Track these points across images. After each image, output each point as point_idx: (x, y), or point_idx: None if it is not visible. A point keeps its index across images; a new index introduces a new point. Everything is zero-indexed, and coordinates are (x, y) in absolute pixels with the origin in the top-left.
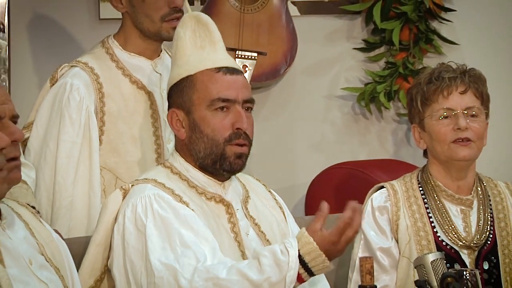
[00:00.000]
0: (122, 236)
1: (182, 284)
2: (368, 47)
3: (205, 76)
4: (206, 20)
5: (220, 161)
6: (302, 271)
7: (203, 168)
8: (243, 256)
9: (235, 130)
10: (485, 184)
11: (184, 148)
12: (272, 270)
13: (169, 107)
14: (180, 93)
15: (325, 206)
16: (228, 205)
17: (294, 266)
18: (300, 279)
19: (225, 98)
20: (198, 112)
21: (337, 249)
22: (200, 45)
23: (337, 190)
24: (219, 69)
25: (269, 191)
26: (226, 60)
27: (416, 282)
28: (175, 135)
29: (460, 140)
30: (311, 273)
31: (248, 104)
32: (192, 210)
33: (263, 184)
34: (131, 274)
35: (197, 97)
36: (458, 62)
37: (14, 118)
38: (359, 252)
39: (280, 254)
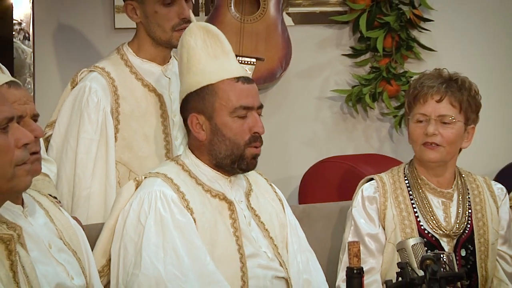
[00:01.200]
0: (124, 222)
1: None
2: (355, 53)
3: (226, 85)
4: (216, 31)
5: (239, 161)
6: None
7: (217, 166)
8: (240, 249)
9: (253, 134)
10: (464, 178)
11: (201, 147)
12: None
13: (187, 112)
14: (201, 99)
15: None
16: (230, 203)
17: None
18: None
19: (246, 106)
20: (220, 118)
21: None
22: (213, 55)
23: (327, 181)
24: (237, 79)
25: (270, 185)
26: (241, 69)
27: (398, 264)
28: (189, 136)
29: (429, 144)
30: None
31: (260, 109)
32: (191, 209)
33: (264, 178)
34: (122, 259)
35: (219, 104)
36: (435, 67)
37: (35, 117)
38: (349, 236)
39: None
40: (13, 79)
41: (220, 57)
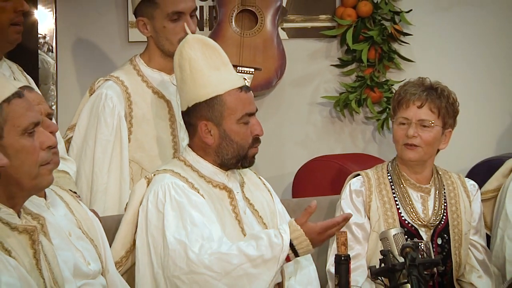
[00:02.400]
0: (146, 215)
1: (191, 257)
2: (342, 64)
3: (232, 96)
4: (213, 43)
5: (243, 160)
6: (290, 252)
7: (221, 164)
8: (243, 231)
9: (254, 136)
10: (441, 175)
11: (208, 149)
12: (266, 249)
13: (195, 118)
14: (210, 108)
15: (313, 204)
16: (230, 191)
17: (286, 249)
18: (287, 259)
19: (250, 113)
20: (228, 125)
21: (320, 239)
22: (214, 66)
23: (318, 177)
24: (240, 89)
25: (259, 178)
26: (241, 79)
27: (381, 251)
28: (193, 138)
29: (409, 144)
30: (296, 254)
31: (256, 112)
32: (202, 195)
33: (254, 172)
34: (152, 246)
35: (228, 113)
36: (414, 76)
37: (49, 115)
38: None
39: (274, 237)
40: (26, 84)
41: (220, 68)
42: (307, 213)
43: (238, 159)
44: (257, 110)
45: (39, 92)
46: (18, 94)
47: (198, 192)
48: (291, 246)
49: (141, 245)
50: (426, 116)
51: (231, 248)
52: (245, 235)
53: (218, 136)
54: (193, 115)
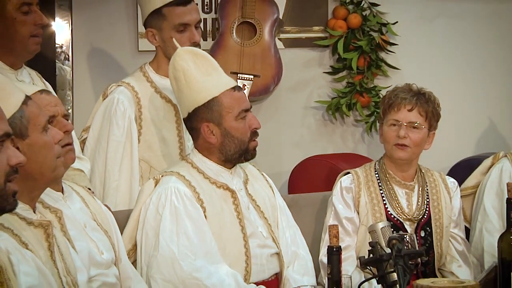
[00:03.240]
0: (145, 213)
1: (176, 270)
2: (334, 71)
3: (227, 96)
4: (201, 52)
5: (245, 154)
6: None
7: (225, 161)
8: (243, 229)
9: (252, 130)
10: (424, 173)
11: (212, 149)
12: None
13: (196, 122)
14: (209, 111)
15: None
16: (232, 192)
17: None
18: None
19: (245, 109)
20: (228, 123)
21: None
22: (206, 73)
23: (312, 175)
24: (233, 89)
25: (262, 174)
26: (232, 80)
27: (369, 243)
28: (197, 140)
29: (399, 145)
30: None
31: (250, 108)
32: (202, 200)
33: (257, 169)
34: (144, 242)
35: (226, 112)
36: (399, 82)
37: (66, 117)
38: (330, 220)
39: None
40: (44, 88)
41: (212, 73)
42: None
43: (240, 153)
44: (251, 106)
45: (55, 95)
46: (29, 97)
47: (198, 198)
48: None
49: (138, 240)
50: (416, 119)
51: (213, 284)
52: (244, 234)
53: (220, 135)
54: (194, 120)
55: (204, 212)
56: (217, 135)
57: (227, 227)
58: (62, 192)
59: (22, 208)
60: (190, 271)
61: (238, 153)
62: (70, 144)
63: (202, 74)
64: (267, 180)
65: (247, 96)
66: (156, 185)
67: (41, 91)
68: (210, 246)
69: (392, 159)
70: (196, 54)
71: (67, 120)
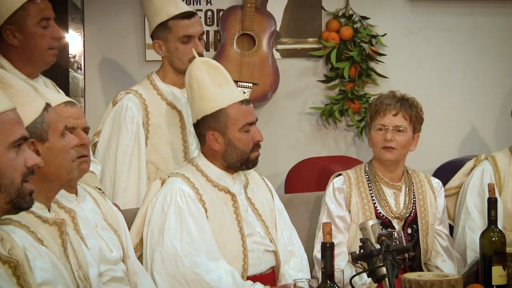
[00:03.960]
0: (152, 211)
1: (178, 265)
2: (327, 80)
3: (234, 108)
4: (216, 64)
5: (246, 163)
6: None
7: (227, 167)
8: (241, 230)
9: (255, 142)
10: (410, 174)
11: (216, 155)
12: None
13: (203, 129)
14: (216, 120)
15: (288, 285)
16: (233, 195)
17: None
18: None
19: (250, 122)
20: (232, 134)
21: None
22: (219, 84)
23: (307, 176)
24: (241, 102)
25: (263, 178)
26: (241, 94)
27: (360, 239)
28: (203, 145)
29: (387, 147)
30: None
31: (256, 122)
32: (204, 201)
33: (258, 174)
34: (149, 238)
35: (231, 124)
36: (388, 90)
37: (86, 129)
38: (323, 218)
39: None
40: (70, 99)
41: (224, 85)
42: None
43: (241, 162)
44: (257, 119)
45: (78, 106)
46: (49, 104)
47: (201, 199)
48: None
49: (144, 235)
50: (401, 123)
51: (212, 279)
52: (242, 234)
53: (223, 144)
54: (202, 127)
55: (206, 212)
56: (221, 143)
57: (227, 227)
58: (76, 194)
59: (38, 207)
60: (191, 267)
61: (239, 161)
62: (86, 156)
63: (214, 85)
64: (267, 184)
65: None
66: (162, 185)
67: (66, 103)
68: (210, 244)
69: (381, 161)
70: (211, 66)
71: (87, 134)
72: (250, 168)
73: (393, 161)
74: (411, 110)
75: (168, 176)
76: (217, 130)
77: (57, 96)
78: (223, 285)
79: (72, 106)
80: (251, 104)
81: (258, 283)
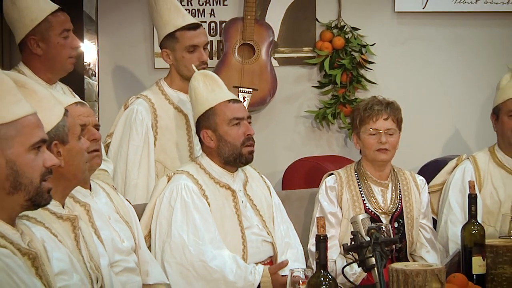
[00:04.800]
0: (160, 206)
1: (186, 253)
2: (321, 85)
3: (222, 106)
4: (212, 74)
5: (239, 157)
6: None
7: (225, 164)
8: (240, 223)
9: (246, 136)
10: (396, 172)
11: (213, 152)
12: (240, 280)
13: (199, 129)
14: (207, 119)
15: (286, 262)
16: (233, 191)
17: (255, 286)
18: None
19: (237, 117)
20: (221, 129)
21: None
22: (211, 89)
23: (302, 174)
24: (229, 101)
25: (261, 176)
26: (231, 95)
27: (351, 232)
28: (203, 145)
29: (382, 149)
30: None
31: (249, 119)
32: (207, 196)
33: (257, 172)
34: (158, 230)
35: (220, 120)
36: (376, 94)
37: (96, 126)
38: (317, 213)
39: (249, 274)
40: (80, 100)
41: (216, 89)
42: (279, 266)
43: (234, 157)
44: (249, 116)
45: (87, 106)
46: (67, 110)
47: (204, 194)
48: (259, 286)
49: (153, 228)
50: (391, 126)
51: (217, 265)
52: (241, 227)
53: (216, 140)
54: (198, 128)
55: (209, 206)
56: (214, 140)
57: (228, 220)
58: (90, 189)
59: (52, 204)
60: (197, 254)
61: (232, 156)
62: (98, 150)
63: (207, 91)
64: (265, 182)
65: (247, 106)
66: (168, 181)
67: (77, 103)
68: (214, 234)
69: (374, 161)
70: (206, 76)
71: (97, 130)
72: (245, 164)
73: (387, 161)
74: (397, 113)
75: (174, 174)
76: (209, 128)
77: (68, 98)
78: (227, 269)
79: (82, 106)
80: (242, 103)
81: (259, 265)
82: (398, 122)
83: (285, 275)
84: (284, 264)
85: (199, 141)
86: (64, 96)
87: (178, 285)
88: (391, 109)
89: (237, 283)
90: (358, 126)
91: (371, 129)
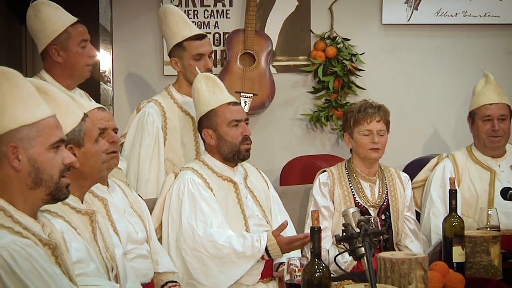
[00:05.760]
0: (170, 200)
1: (196, 238)
2: (315, 91)
3: (222, 108)
4: (213, 77)
5: (237, 154)
6: (264, 254)
7: (225, 159)
8: (243, 212)
9: (243, 136)
10: (383, 170)
11: (213, 150)
12: (248, 248)
13: (201, 128)
14: (208, 119)
15: (285, 223)
16: (235, 183)
17: (262, 251)
18: (262, 258)
19: (236, 119)
20: (221, 129)
21: (287, 247)
22: (213, 92)
23: (297, 171)
24: (229, 103)
25: (259, 172)
26: (231, 97)
27: (343, 224)
28: (205, 143)
29: (375, 148)
30: (269, 256)
31: (247, 121)
32: (211, 188)
33: (256, 168)
34: (170, 222)
35: (220, 121)
36: (365, 98)
37: (115, 130)
38: (311, 207)
39: (255, 241)
40: (101, 105)
41: (217, 92)
42: (280, 228)
43: (233, 153)
44: (247, 118)
45: (107, 111)
46: (86, 114)
47: (209, 186)
48: (266, 250)
49: (165, 220)
50: (382, 127)
51: (225, 241)
52: (244, 215)
53: (216, 138)
54: (200, 127)
55: (214, 196)
56: (214, 138)
57: (231, 209)
58: (107, 186)
59: (72, 199)
60: (206, 237)
61: (231, 153)
62: (115, 152)
63: (209, 93)
64: (263, 176)
65: (247, 110)
66: (175, 177)
67: (98, 108)
68: (221, 220)
69: (366, 159)
70: (209, 78)
71: (116, 133)
72: (242, 160)
73: (378, 159)
74: (387, 115)
75: (180, 170)
76: (210, 128)
77: (90, 103)
78: (234, 242)
79: (103, 111)
80: (240, 106)
81: (263, 232)
82: (387, 124)
83: (287, 236)
84: (284, 225)
85: (202, 140)
86: (88, 102)
87: (195, 268)
88: (383, 112)
89: (246, 252)
90: (351, 126)
91: (364, 130)
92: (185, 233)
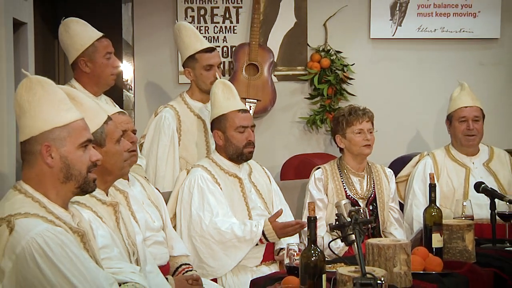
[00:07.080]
0: (182, 193)
1: (203, 226)
2: (311, 97)
3: (233, 114)
4: (229, 84)
5: (241, 155)
6: (262, 238)
7: (230, 159)
8: (247, 204)
9: (247, 141)
10: (370, 166)
11: (221, 149)
12: (248, 233)
13: (213, 128)
14: (219, 122)
15: (280, 211)
16: (240, 179)
17: (259, 235)
18: (261, 241)
19: (244, 126)
20: (229, 133)
21: (282, 232)
22: (226, 97)
23: (296, 168)
24: (239, 110)
25: (263, 168)
26: (242, 105)
27: (336, 214)
28: (214, 142)
29: (367, 145)
30: (266, 240)
31: (253, 127)
32: (219, 184)
33: (259, 164)
34: (182, 213)
35: (229, 125)
36: (355, 103)
37: (134, 131)
38: (307, 199)
39: (254, 227)
40: (121, 110)
41: (230, 98)
42: (276, 215)
43: (237, 155)
44: (254, 125)
45: (127, 115)
46: (109, 117)
47: (216, 182)
48: (263, 234)
49: (178, 211)
50: (370, 126)
51: (227, 228)
52: (248, 207)
53: (224, 140)
54: (212, 128)
55: (221, 190)
56: (222, 139)
57: (236, 202)
58: (128, 180)
59: (98, 192)
60: (212, 225)
61: (235, 154)
62: (135, 150)
63: (224, 98)
64: (265, 172)
65: (252, 114)
66: (187, 174)
67: (119, 112)
68: (226, 210)
69: (359, 155)
70: (225, 84)
71: (135, 134)
72: (245, 160)
73: (369, 154)
74: (372, 116)
75: (192, 167)
76: (220, 130)
77: (112, 108)
78: (236, 228)
79: (123, 115)
80: (249, 113)
81: (262, 218)
82: (373, 123)
83: (281, 222)
84: (279, 213)
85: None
86: (111, 107)
87: (204, 253)
88: (369, 113)
89: (246, 236)
90: (344, 128)
91: (357, 129)
92: (194, 222)
